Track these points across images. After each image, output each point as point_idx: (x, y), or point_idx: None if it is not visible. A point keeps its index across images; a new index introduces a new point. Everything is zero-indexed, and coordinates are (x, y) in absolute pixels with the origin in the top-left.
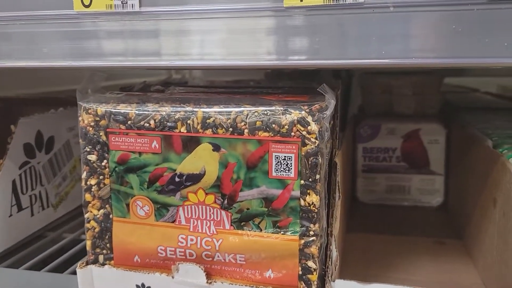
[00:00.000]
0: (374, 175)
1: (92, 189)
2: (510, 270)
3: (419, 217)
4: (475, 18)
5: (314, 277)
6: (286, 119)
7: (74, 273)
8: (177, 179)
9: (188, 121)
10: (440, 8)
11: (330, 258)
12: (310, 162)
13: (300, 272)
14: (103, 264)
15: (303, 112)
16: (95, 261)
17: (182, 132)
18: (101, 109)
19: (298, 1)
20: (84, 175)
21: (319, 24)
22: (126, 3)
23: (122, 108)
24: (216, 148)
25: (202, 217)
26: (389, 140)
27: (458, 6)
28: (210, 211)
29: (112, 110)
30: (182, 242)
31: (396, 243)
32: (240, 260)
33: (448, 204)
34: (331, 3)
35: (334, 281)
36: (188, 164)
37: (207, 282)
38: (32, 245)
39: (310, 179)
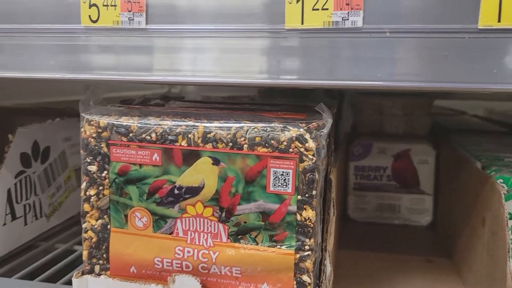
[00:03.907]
0: (365, 193)
1: (91, 200)
2: (499, 286)
3: (409, 235)
4: (466, 45)
5: None
6: (284, 135)
7: (67, 283)
8: (176, 192)
9: (189, 135)
10: (434, 35)
11: (324, 273)
12: (307, 178)
13: (295, 286)
14: (99, 274)
15: (301, 129)
16: (91, 271)
17: (183, 146)
18: (104, 121)
19: (299, 24)
20: (83, 185)
21: (316, 46)
22: (133, 20)
23: (125, 121)
24: (216, 162)
25: (200, 229)
26: (380, 159)
27: (451, 34)
28: (207, 223)
29: (114, 122)
30: (179, 254)
31: (386, 260)
32: (236, 273)
33: (437, 223)
34: (331, 27)
35: None
36: (188, 177)
37: None
38: (24, 255)
39: (306, 195)
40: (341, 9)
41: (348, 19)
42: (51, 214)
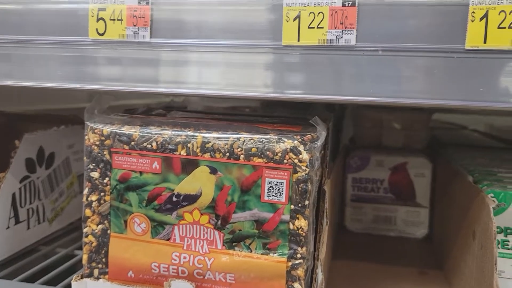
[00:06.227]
0: (362, 204)
1: (93, 205)
2: None
3: (404, 247)
4: (454, 64)
5: None
6: (279, 147)
7: (67, 286)
8: (174, 199)
9: (188, 145)
10: (424, 54)
11: (315, 281)
12: (300, 189)
13: None
14: (97, 278)
15: (295, 141)
16: (90, 275)
17: (182, 155)
18: (107, 129)
19: (296, 41)
20: (85, 191)
21: (312, 62)
22: (138, 33)
23: (127, 130)
24: (213, 171)
25: (196, 236)
26: (377, 172)
27: (440, 53)
28: (204, 230)
29: (117, 131)
30: (175, 260)
31: (380, 271)
32: (229, 279)
33: (432, 236)
34: (325, 44)
35: None
36: (186, 185)
37: None
38: (26, 258)
39: (299, 205)
40: (335, 28)
41: (342, 37)
42: (53, 219)
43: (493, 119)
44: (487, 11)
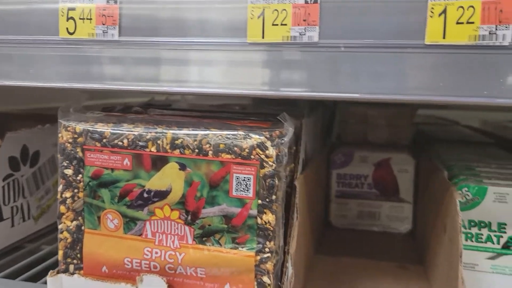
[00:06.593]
0: (346, 200)
1: (67, 202)
2: None
3: (388, 242)
4: (414, 60)
5: None
6: (246, 143)
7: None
8: (145, 195)
9: (158, 141)
10: (385, 50)
11: (286, 275)
12: (267, 184)
13: (256, 287)
14: (72, 274)
15: (262, 137)
16: (65, 270)
17: (152, 151)
18: (80, 127)
19: (260, 38)
20: (60, 188)
21: (277, 59)
22: (107, 32)
23: (99, 127)
24: (182, 167)
25: (167, 231)
26: (361, 168)
27: (400, 49)
28: (174, 226)
29: (89, 128)
30: (147, 255)
31: (362, 266)
32: (200, 274)
33: (416, 231)
34: (289, 41)
35: None
36: (156, 181)
37: None
38: (10, 255)
39: (267, 199)
40: (298, 25)
41: (305, 34)
42: (39, 216)
43: (486, 115)
44: (446, 7)
